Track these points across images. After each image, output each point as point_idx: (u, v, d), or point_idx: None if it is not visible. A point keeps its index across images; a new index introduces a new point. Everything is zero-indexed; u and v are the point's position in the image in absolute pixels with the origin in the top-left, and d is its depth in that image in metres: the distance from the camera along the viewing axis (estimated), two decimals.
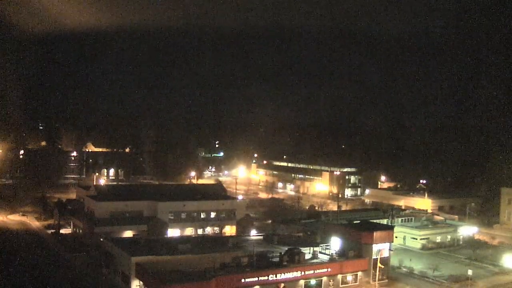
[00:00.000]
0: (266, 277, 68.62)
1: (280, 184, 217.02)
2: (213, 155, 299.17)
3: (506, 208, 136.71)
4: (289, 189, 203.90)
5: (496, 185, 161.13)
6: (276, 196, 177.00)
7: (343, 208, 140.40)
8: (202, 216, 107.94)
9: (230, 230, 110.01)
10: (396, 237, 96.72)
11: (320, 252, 79.41)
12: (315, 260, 76.03)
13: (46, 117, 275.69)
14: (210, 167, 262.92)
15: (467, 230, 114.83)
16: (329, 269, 74.60)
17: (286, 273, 70.24)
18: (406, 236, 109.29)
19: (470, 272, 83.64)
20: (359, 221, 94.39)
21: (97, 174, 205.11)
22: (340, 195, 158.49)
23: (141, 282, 67.63)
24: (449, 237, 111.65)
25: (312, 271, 73.00)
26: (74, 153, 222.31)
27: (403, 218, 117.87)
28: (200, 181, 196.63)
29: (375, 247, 78.94)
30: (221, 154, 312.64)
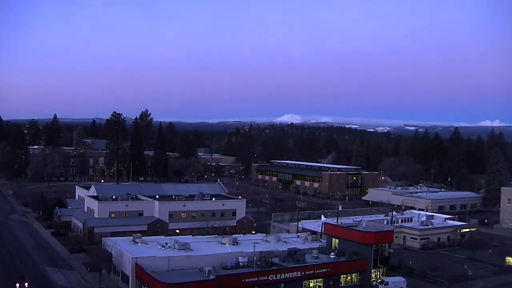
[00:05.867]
0: (266, 277, 68.67)
1: (280, 184, 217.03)
2: (213, 155, 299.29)
3: (506, 208, 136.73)
4: (289, 189, 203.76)
5: (496, 185, 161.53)
6: (276, 196, 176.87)
7: (343, 208, 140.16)
8: (202, 216, 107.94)
9: (230, 230, 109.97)
10: (396, 237, 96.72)
11: (320, 252, 79.43)
12: (315, 260, 76.03)
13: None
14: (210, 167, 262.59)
15: (467, 230, 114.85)
16: (329, 269, 74.61)
17: (286, 273, 70.26)
18: (406, 236, 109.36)
19: (470, 272, 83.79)
20: (359, 221, 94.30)
21: (97, 174, 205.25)
22: (340, 195, 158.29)
23: (141, 282, 67.66)
24: (449, 237, 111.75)
25: (312, 271, 73.02)
26: (74, 153, 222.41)
27: (403, 218, 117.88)
28: (200, 182, 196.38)
29: (375, 247, 78.94)
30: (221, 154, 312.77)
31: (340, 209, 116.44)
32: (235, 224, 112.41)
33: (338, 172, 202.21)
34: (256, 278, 67.94)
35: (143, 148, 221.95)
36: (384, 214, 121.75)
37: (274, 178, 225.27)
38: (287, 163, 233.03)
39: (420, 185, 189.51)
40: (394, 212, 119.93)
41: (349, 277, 77.43)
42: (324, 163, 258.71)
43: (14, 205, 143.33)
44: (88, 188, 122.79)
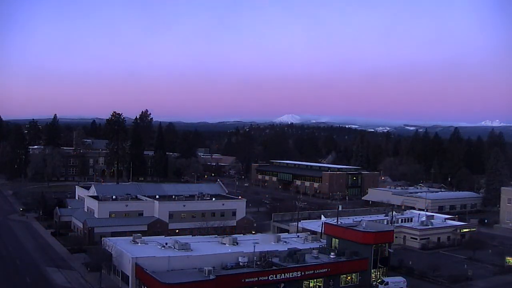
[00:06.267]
0: (266, 277, 68.69)
1: (280, 184, 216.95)
2: (213, 155, 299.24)
3: (506, 208, 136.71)
4: (289, 189, 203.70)
5: (496, 185, 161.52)
6: (276, 196, 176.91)
7: (343, 208, 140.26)
8: (202, 216, 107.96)
9: (230, 230, 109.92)
10: (396, 237, 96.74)
11: (320, 252, 79.43)
12: (315, 260, 76.04)
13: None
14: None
15: (467, 230, 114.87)
16: (329, 269, 74.62)
17: (286, 273, 70.26)
18: (406, 236, 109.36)
19: (470, 272, 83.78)
20: (359, 221, 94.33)
21: (97, 174, 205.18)
22: (340, 195, 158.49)
23: (141, 282, 67.66)
24: (449, 237, 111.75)
25: (312, 271, 73.02)
26: (74, 153, 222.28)
27: (403, 218, 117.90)
28: (200, 182, 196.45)
29: (375, 247, 78.92)
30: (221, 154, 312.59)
31: (340, 209, 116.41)
32: (235, 224, 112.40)
33: (338, 172, 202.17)
34: (256, 278, 67.94)
35: (143, 148, 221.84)
36: (384, 214, 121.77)
37: (274, 178, 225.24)
38: (287, 163, 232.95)
39: (420, 185, 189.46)
40: (394, 212, 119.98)
41: (349, 277, 77.42)
42: (324, 163, 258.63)
43: (14, 205, 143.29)
44: (88, 188, 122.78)
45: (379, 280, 76.85)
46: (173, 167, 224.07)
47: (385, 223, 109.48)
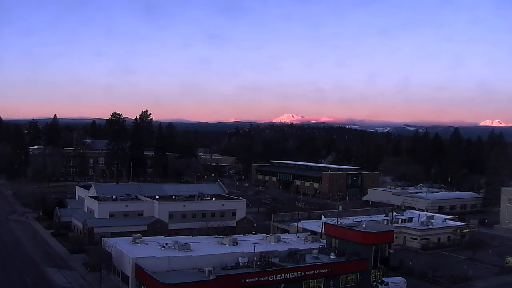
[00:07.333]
0: (266, 277, 68.68)
1: (280, 184, 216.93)
2: (213, 155, 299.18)
3: (506, 208, 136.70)
4: (289, 189, 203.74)
5: (496, 185, 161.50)
6: (275, 196, 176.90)
7: (343, 208, 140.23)
8: (202, 216, 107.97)
9: (230, 230, 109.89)
10: (396, 237, 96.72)
11: (320, 252, 79.43)
12: (315, 261, 76.04)
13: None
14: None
15: (467, 230, 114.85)
16: (329, 269, 74.61)
17: (286, 273, 70.26)
18: (406, 236, 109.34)
19: (470, 272, 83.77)
20: (359, 221, 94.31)
21: (97, 174, 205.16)
22: (340, 195, 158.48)
23: (141, 282, 67.65)
24: (449, 237, 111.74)
25: (312, 271, 73.02)
26: (74, 153, 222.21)
27: (403, 218, 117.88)
28: (200, 182, 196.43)
29: (375, 247, 78.91)
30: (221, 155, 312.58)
31: (340, 209, 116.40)
32: (235, 224, 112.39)
33: (338, 172, 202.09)
34: (256, 279, 67.93)
35: (143, 148, 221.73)
36: (384, 214, 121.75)
37: (274, 178, 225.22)
38: (287, 163, 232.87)
39: (420, 185, 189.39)
40: (394, 212, 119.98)
41: (349, 277, 77.38)
42: (324, 163, 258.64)
43: (14, 205, 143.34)
44: (88, 188, 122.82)
45: (379, 280, 76.83)
46: (173, 167, 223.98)
47: (385, 223, 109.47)
